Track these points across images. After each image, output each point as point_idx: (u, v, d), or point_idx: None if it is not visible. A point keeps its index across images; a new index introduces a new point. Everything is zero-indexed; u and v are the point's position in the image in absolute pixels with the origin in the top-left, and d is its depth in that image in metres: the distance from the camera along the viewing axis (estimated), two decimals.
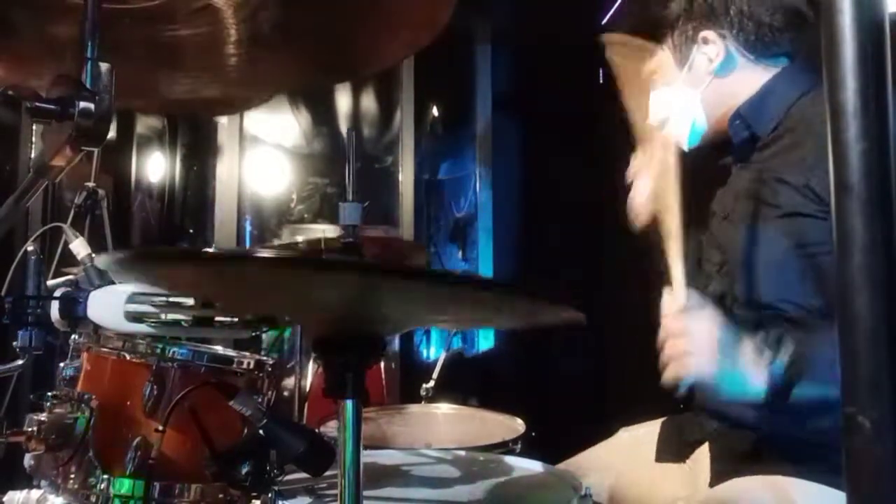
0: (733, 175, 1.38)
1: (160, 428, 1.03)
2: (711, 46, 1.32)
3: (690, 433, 1.39)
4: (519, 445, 1.51)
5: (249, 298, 0.96)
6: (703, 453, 1.33)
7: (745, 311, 1.28)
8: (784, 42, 1.31)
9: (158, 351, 1.09)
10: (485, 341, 3.84)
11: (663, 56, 1.37)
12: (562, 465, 1.40)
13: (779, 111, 1.30)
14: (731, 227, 1.33)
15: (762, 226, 1.25)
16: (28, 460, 1.12)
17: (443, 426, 1.78)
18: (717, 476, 1.24)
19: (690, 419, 1.41)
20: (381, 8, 1.08)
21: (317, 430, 1.41)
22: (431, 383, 1.87)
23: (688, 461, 1.39)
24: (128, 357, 1.11)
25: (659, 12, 1.37)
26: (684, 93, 1.35)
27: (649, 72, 1.40)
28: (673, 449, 1.42)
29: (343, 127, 3.87)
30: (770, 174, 1.27)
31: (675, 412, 1.51)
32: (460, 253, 3.92)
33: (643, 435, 1.49)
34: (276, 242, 3.65)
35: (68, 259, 1.17)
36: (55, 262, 1.35)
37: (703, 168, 1.61)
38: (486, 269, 3.76)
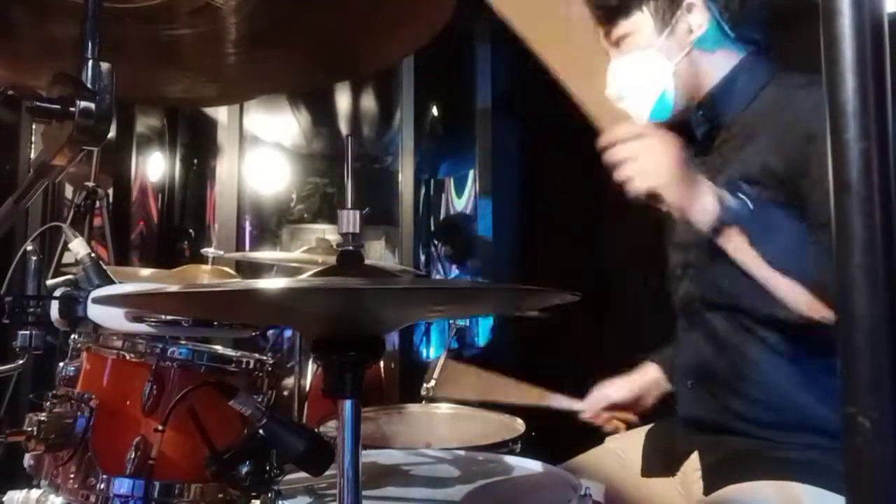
0: None
1: (160, 427, 1.03)
2: (696, 15, 1.26)
3: (678, 446, 1.35)
4: (519, 445, 1.51)
5: (244, 315, 0.97)
6: (689, 465, 1.31)
7: (719, 318, 1.25)
8: (760, 23, 1.26)
9: (158, 350, 1.09)
10: (483, 341, 3.84)
11: (641, 18, 1.28)
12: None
13: (740, 104, 1.27)
14: (691, 226, 1.20)
15: None
16: (28, 460, 1.12)
17: (443, 426, 1.78)
18: (712, 485, 1.21)
19: (676, 431, 1.38)
20: (381, 8, 1.08)
21: (316, 430, 1.41)
22: (432, 383, 1.87)
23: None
24: (127, 357, 1.10)
25: None
26: (659, 61, 1.27)
27: (620, 35, 1.30)
28: (659, 464, 1.38)
29: (343, 127, 3.87)
30: (729, 168, 1.23)
31: (661, 417, 1.50)
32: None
33: (628, 445, 1.47)
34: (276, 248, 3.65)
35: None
36: (55, 262, 1.35)
37: None
38: (486, 267, 3.76)
